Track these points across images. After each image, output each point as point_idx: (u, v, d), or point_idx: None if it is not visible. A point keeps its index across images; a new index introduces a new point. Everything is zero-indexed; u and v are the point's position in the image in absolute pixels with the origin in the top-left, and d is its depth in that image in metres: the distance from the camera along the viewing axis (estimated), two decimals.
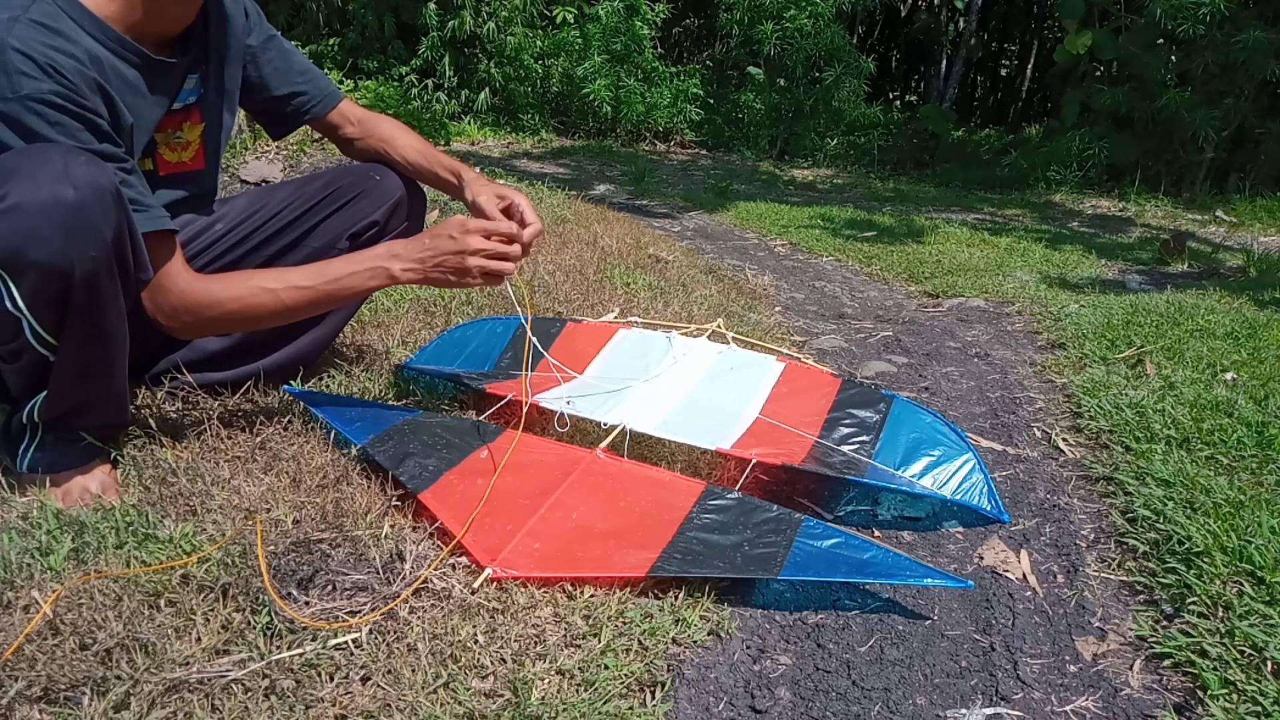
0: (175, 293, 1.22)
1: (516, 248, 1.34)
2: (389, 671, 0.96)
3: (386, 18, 8.97)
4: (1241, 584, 1.18)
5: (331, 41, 8.98)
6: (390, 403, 1.63)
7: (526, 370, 1.68)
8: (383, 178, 1.57)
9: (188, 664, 0.93)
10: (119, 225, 1.09)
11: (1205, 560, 1.23)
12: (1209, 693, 1.01)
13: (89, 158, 1.07)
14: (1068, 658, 1.12)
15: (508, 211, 1.44)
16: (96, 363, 1.19)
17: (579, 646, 1.04)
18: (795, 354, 2.19)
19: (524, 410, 1.50)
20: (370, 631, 1.01)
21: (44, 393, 1.19)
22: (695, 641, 1.09)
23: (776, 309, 2.93)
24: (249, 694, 0.91)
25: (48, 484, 1.23)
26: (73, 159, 1.05)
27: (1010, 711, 1.02)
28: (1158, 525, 1.36)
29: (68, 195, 1.03)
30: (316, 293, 1.29)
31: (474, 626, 1.04)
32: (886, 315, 2.96)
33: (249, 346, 1.53)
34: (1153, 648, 1.12)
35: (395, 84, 8.10)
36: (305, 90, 1.52)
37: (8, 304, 1.07)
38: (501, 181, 4.60)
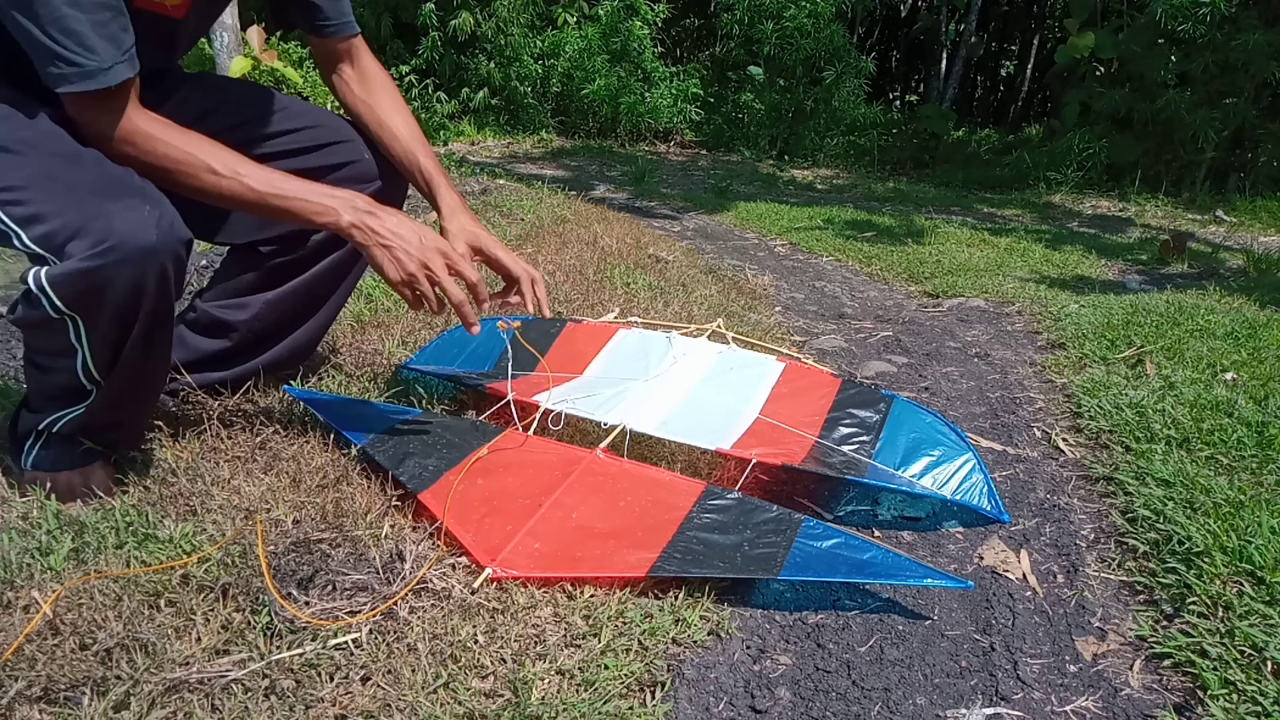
0: (126, 125, 1.13)
1: (461, 296, 1.25)
2: (389, 671, 0.96)
3: (384, 17, 8.98)
4: (1241, 584, 1.18)
5: None
6: (390, 403, 1.63)
7: (511, 374, 1.68)
8: (363, 161, 1.46)
9: (188, 664, 0.93)
10: (180, 279, 1.14)
11: (1205, 560, 1.23)
12: (1209, 693, 1.01)
13: (162, 213, 1.09)
14: (1068, 658, 1.12)
15: (487, 262, 1.38)
16: (136, 397, 1.23)
17: (579, 646, 1.04)
18: (795, 354, 2.19)
19: (502, 404, 1.50)
20: (370, 631, 1.01)
21: (72, 413, 1.21)
22: (695, 641, 1.09)
23: (776, 309, 2.93)
24: (249, 694, 0.91)
25: (48, 484, 1.23)
26: (151, 213, 1.07)
27: (1010, 711, 1.02)
28: (1158, 525, 1.36)
29: (151, 266, 1.07)
30: (259, 199, 1.19)
31: (474, 626, 1.04)
32: (886, 315, 2.96)
33: (245, 345, 1.52)
34: (1153, 648, 1.12)
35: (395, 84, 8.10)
36: (321, 6, 1.40)
37: (71, 337, 1.11)
38: (502, 181, 4.50)
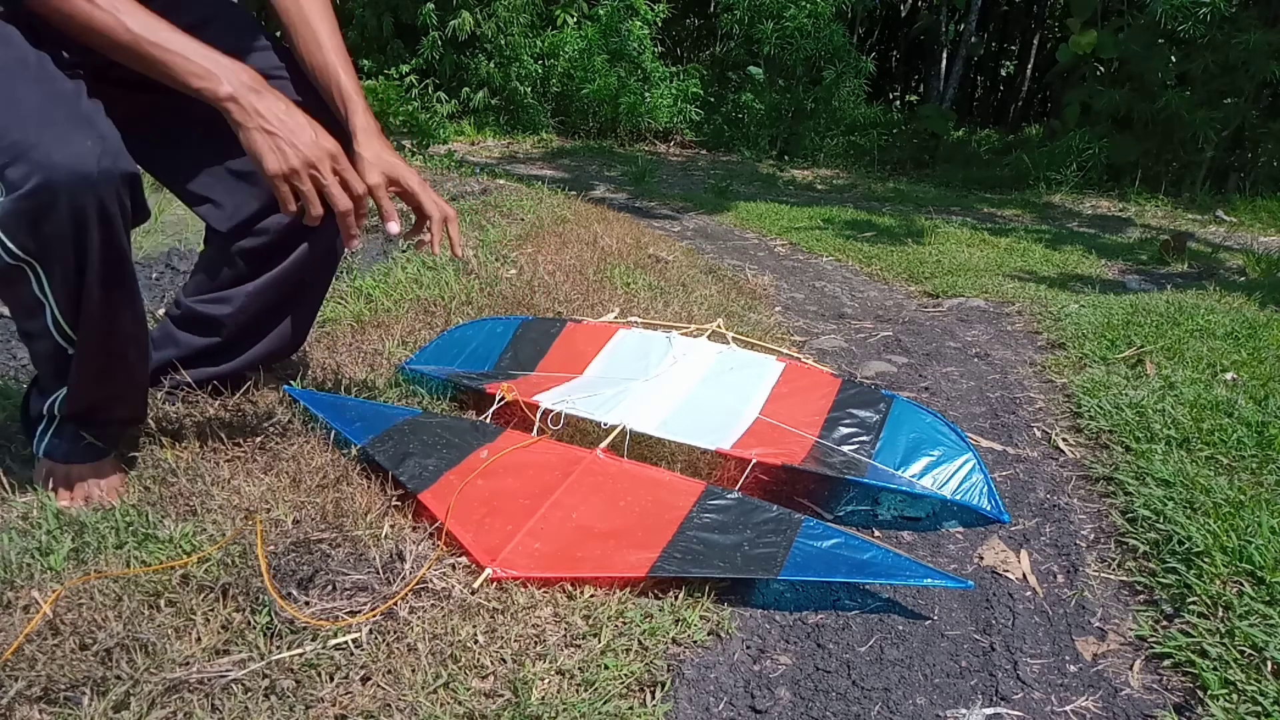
0: None
1: (348, 204, 1.16)
2: (389, 671, 0.96)
3: (385, 17, 8.98)
4: (1241, 584, 1.18)
5: None
6: (390, 403, 1.63)
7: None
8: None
9: (188, 664, 0.93)
10: (128, 217, 1.10)
11: (1205, 560, 1.23)
12: (1209, 693, 1.01)
13: (105, 147, 1.04)
14: (1068, 658, 1.12)
15: (403, 195, 1.28)
16: (113, 362, 1.20)
17: (579, 646, 1.04)
18: (795, 354, 2.19)
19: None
20: (370, 631, 1.01)
21: (65, 389, 1.20)
22: (695, 641, 1.09)
23: (776, 309, 2.93)
24: (249, 694, 0.91)
25: (51, 481, 1.23)
26: (93, 145, 1.03)
27: (1010, 711, 1.02)
28: (1158, 525, 1.36)
29: (89, 200, 1.02)
30: (134, 42, 1.06)
31: (474, 626, 1.04)
32: (886, 315, 2.96)
33: (235, 338, 1.50)
34: (1153, 648, 1.12)
35: (395, 84, 8.12)
36: None
37: (35, 289, 1.09)
38: (502, 181, 4.47)
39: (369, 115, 1.30)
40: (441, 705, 0.92)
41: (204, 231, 1.46)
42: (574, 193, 4.50)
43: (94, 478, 1.25)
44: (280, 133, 1.10)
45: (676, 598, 1.15)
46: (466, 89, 9.19)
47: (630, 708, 0.96)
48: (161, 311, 1.95)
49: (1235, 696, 1.00)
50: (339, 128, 1.27)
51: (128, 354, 1.22)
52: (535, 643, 1.04)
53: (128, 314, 1.17)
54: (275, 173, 1.11)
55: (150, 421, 1.40)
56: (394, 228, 1.21)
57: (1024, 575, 1.30)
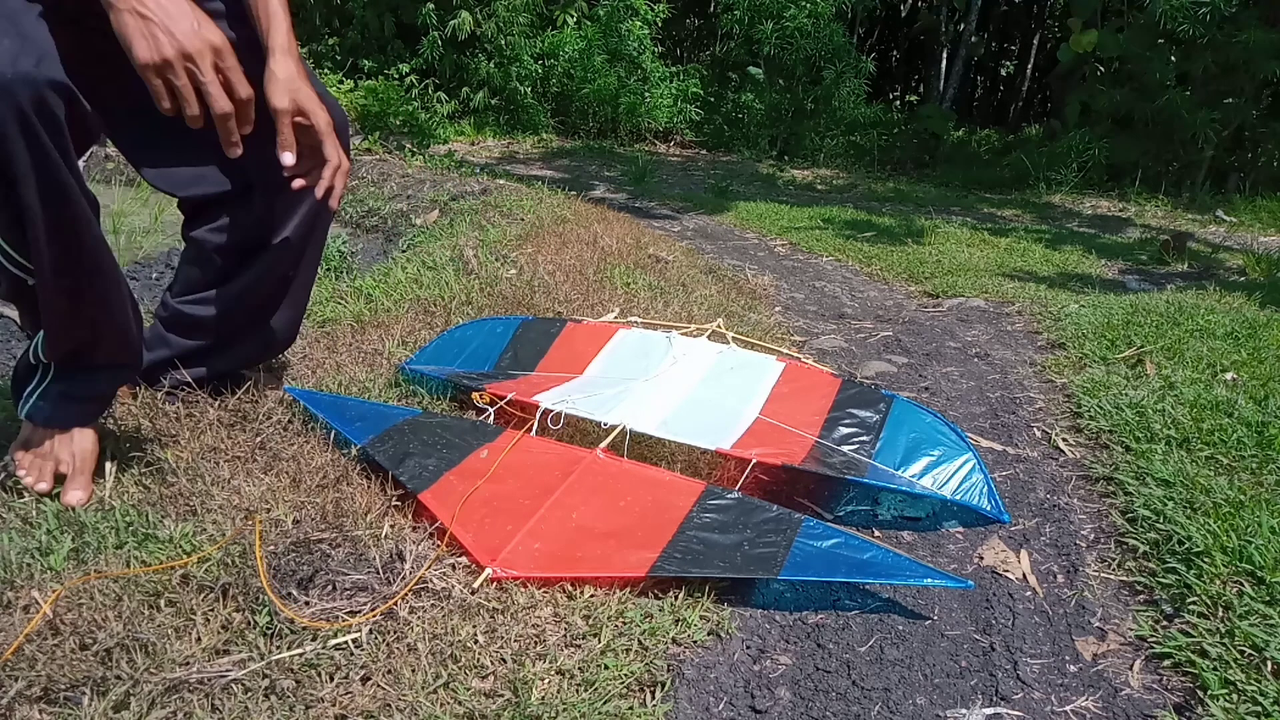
0: None
1: (227, 106, 1.04)
2: (389, 671, 0.96)
3: (386, 17, 8.99)
4: (1241, 584, 1.18)
5: (331, 41, 8.99)
6: (390, 403, 1.63)
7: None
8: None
9: (188, 664, 0.93)
10: (58, 127, 1.01)
11: (1205, 560, 1.23)
12: (1209, 693, 1.01)
13: (23, 50, 0.97)
14: (1068, 658, 1.12)
15: (303, 131, 1.18)
16: (81, 292, 1.13)
17: (579, 646, 1.04)
18: (795, 354, 2.19)
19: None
20: (370, 631, 1.01)
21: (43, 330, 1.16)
22: (695, 641, 1.09)
23: (776, 309, 2.93)
24: (249, 694, 0.91)
25: (24, 448, 1.21)
26: (9, 46, 0.95)
27: (1010, 711, 1.02)
28: (1158, 525, 1.36)
29: (5, 106, 0.94)
30: None
31: (474, 626, 1.04)
32: (886, 315, 2.96)
33: (226, 337, 1.49)
34: (1153, 648, 1.12)
35: (395, 83, 8.12)
36: None
37: None
38: (502, 181, 4.46)
39: (291, 37, 1.19)
40: (441, 705, 0.92)
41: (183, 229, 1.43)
42: (574, 193, 4.50)
43: (67, 445, 1.21)
44: (155, 18, 0.99)
45: (676, 598, 1.15)
46: (466, 89, 9.19)
47: (630, 708, 0.96)
48: None
49: (1235, 696, 1.00)
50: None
51: (95, 281, 1.13)
52: (535, 643, 1.04)
53: (85, 236, 1.08)
54: (146, 62, 0.99)
55: (150, 421, 1.40)
56: (289, 158, 1.15)
57: (1024, 575, 1.30)
